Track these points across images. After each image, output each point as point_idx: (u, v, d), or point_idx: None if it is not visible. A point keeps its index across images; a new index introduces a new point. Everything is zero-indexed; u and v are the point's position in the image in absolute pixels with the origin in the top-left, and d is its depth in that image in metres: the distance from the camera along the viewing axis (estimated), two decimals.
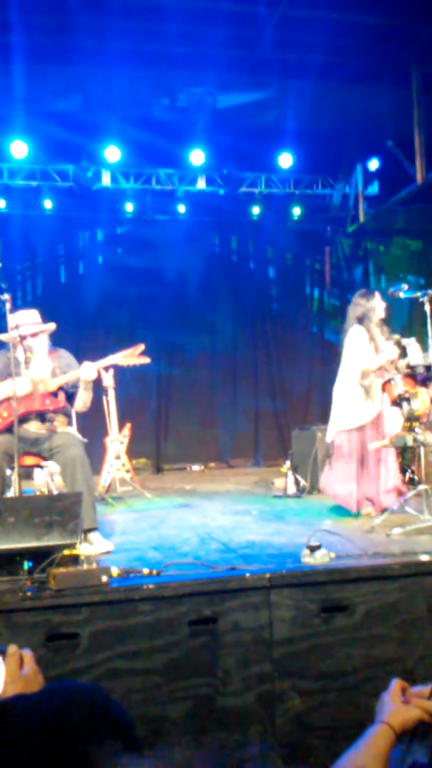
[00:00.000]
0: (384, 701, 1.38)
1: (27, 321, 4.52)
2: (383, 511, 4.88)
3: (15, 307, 4.31)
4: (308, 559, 3.46)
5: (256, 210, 10.07)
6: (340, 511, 5.38)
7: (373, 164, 9.55)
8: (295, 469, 7.04)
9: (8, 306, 4.17)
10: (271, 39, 7.24)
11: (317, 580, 3.28)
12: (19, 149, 8.43)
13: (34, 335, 4.50)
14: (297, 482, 6.89)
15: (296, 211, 10.02)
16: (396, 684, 1.40)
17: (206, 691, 3.09)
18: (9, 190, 9.21)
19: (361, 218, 9.96)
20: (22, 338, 4.39)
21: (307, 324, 10.80)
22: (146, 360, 4.66)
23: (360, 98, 8.20)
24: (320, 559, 3.45)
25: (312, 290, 11.02)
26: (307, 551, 3.49)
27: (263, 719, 3.12)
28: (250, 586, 3.21)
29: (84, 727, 0.88)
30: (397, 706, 1.35)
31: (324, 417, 9.11)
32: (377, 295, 5.48)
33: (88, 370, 4.40)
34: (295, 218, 10.13)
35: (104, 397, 7.30)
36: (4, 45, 6.96)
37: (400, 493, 5.06)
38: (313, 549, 3.48)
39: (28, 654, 1.30)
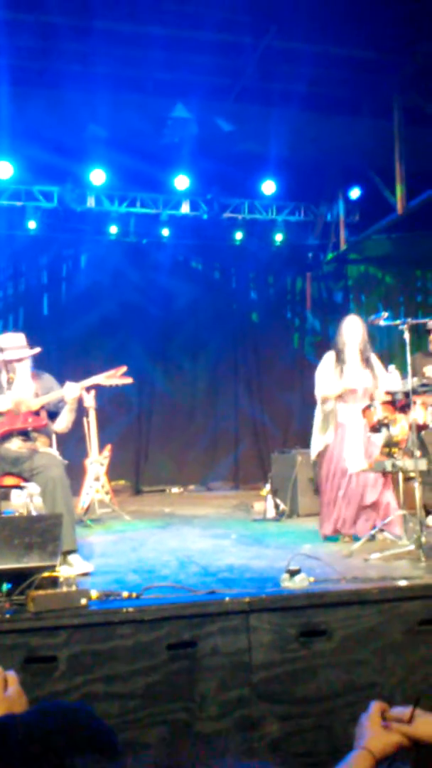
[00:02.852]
0: (363, 726, 1.37)
1: (12, 345, 4.53)
2: (362, 536, 4.90)
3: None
4: (287, 584, 3.47)
5: (239, 235, 10.18)
6: (319, 535, 5.40)
7: (355, 193, 9.72)
8: (274, 492, 7.05)
9: None
10: (256, 68, 7.37)
11: (296, 605, 3.29)
12: (4, 169, 8.47)
13: (20, 360, 4.51)
14: (277, 506, 6.91)
15: (278, 237, 10.14)
16: (375, 707, 1.40)
17: (184, 716, 3.08)
18: None
19: (342, 245, 10.10)
20: (8, 362, 4.41)
21: (288, 348, 10.88)
22: (128, 380, 4.69)
23: (342, 128, 8.35)
24: (299, 583, 3.46)
25: (293, 314, 11.12)
26: (286, 575, 3.50)
27: (241, 744, 3.10)
28: (229, 610, 3.21)
29: (73, 744, 0.89)
30: (377, 731, 1.34)
31: (304, 440, 9.17)
32: (348, 319, 5.50)
33: (71, 389, 4.42)
34: (278, 244, 10.25)
35: (85, 419, 7.29)
36: None
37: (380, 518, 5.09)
38: (292, 573, 3.49)
39: (12, 676, 1.30)
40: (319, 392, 5.35)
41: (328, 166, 9.49)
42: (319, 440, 5.41)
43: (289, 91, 7.56)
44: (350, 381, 5.27)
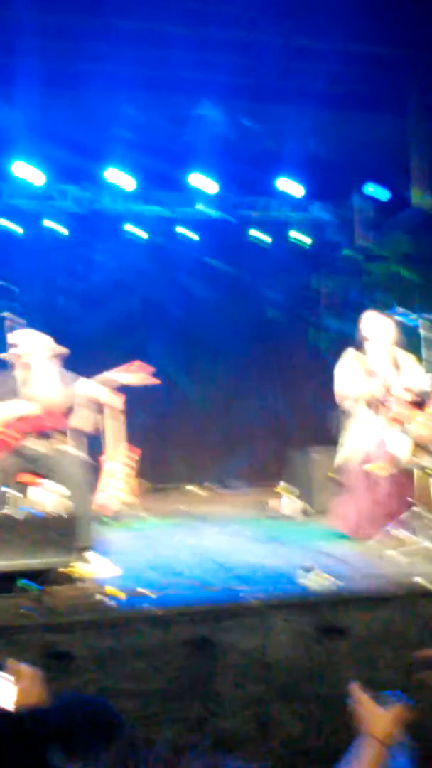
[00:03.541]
0: (358, 711, 1.37)
1: (31, 341, 4.56)
2: (378, 533, 4.87)
3: (14, 327, 4.36)
4: (305, 581, 3.46)
5: (256, 233, 10.16)
6: (335, 532, 5.38)
7: (372, 190, 9.67)
8: (291, 490, 7.03)
9: (8, 324, 4.22)
10: (274, 67, 7.36)
11: (314, 602, 3.29)
12: (24, 171, 8.51)
13: (35, 355, 4.53)
14: (294, 504, 6.89)
15: (296, 235, 10.11)
16: (356, 689, 1.40)
17: (201, 713, 3.08)
18: (12, 211, 9.28)
19: (359, 242, 10.06)
20: (24, 358, 4.43)
21: (305, 345, 10.84)
22: (151, 380, 4.68)
23: (360, 125, 8.32)
24: (316, 581, 3.46)
25: (310, 312, 11.08)
26: (303, 572, 3.49)
27: (258, 743, 3.10)
28: (246, 608, 3.21)
29: (89, 735, 0.90)
30: (373, 714, 1.35)
31: (320, 438, 9.12)
32: (367, 314, 5.43)
33: (87, 387, 4.43)
34: (295, 241, 10.22)
35: (102, 417, 7.30)
36: (11, 69, 7.06)
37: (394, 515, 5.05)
38: (309, 571, 3.49)
39: (33, 671, 1.31)
40: (336, 388, 5.28)
41: (345, 164, 9.43)
42: (344, 438, 5.34)
43: (308, 88, 7.55)
44: (371, 382, 5.20)
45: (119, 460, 7.33)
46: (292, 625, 3.23)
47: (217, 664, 3.13)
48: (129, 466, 7.42)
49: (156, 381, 4.65)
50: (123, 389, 5.10)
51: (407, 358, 5.26)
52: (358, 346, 5.33)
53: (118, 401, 7.13)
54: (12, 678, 1.27)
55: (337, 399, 5.31)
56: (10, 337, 4.27)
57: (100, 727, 0.95)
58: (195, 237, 10.06)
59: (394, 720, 1.33)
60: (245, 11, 6.57)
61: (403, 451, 4.76)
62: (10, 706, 1.20)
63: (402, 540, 4.71)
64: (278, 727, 3.12)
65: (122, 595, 3.28)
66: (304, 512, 6.80)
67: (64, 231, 9.56)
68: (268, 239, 10.24)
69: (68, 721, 0.94)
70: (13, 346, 4.28)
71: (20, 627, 2.99)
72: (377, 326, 5.27)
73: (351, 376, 5.25)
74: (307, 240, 10.30)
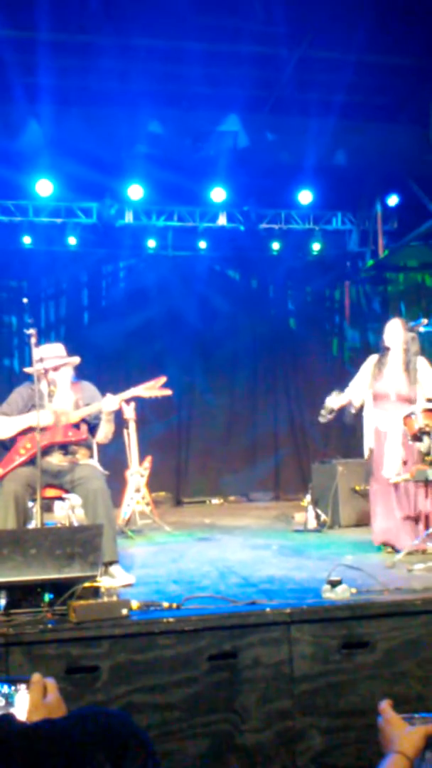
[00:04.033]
0: (387, 730, 1.37)
1: (51, 354, 4.60)
2: (406, 546, 4.83)
3: (40, 342, 4.41)
4: (329, 595, 3.43)
5: (276, 245, 10.18)
6: (361, 545, 5.34)
7: (393, 200, 9.64)
8: (315, 502, 7.00)
9: (33, 340, 4.26)
10: (292, 79, 7.40)
11: (338, 616, 3.26)
12: (45, 187, 8.62)
13: (57, 368, 4.58)
14: (318, 516, 6.85)
15: (316, 247, 10.11)
16: (386, 707, 1.39)
17: (225, 728, 3.06)
18: (34, 227, 9.41)
19: (381, 253, 10.03)
20: (46, 371, 4.47)
21: (328, 356, 10.83)
22: (168, 392, 4.70)
23: (379, 135, 8.32)
24: (341, 594, 3.42)
25: (332, 323, 11.07)
26: (328, 586, 3.46)
27: (283, 757, 3.07)
28: (270, 621, 3.19)
29: (109, 750, 0.89)
30: (403, 731, 1.34)
31: (344, 450, 9.08)
32: (391, 322, 5.43)
33: (110, 402, 4.46)
34: (315, 253, 10.22)
35: (125, 430, 7.34)
36: (30, 86, 7.18)
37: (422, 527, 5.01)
38: (334, 584, 3.46)
39: (51, 683, 1.31)
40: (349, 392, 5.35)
41: (365, 174, 9.44)
42: (365, 445, 5.38)
43: (326, 100, 7.57)
44: (383, 385, 5.22)
45: (138, 473, 7.35)
46: (317, 639, 3.20)
47: (242, 679, 3.11)
48: (146, 477, 7.44)
49: (168, 392, 4.67)
50: (145, 402, 5.12)
51: (429, 368, 5.26)
52: (381, 352, 5.35)
53: (134, 414, 7.20)
54: (33, 689, 1.28)
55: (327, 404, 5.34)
56: (35, 352, 4.31)
57: (120, 740, 0.94)
58: (214, 250, 10.12)
59: (423, 739, 1.32)
60: (263, 26, 6.62)
61: (424, 462, 4.73)
62: (30, 719, 1.21)
63: (430, 553, 4.67)
64: (303, 742, 3.09)
65: (146, 609, 3.28)
66: (329, 525, 6.76)
67: (85, 246, 9.66)
68: (288, 251, 10.25)
69: (88, 734, 0.94)
70: (38, 360, 4.33)
71: (41, 640, 2.99)
72: (400, 335, 5.28)
73: (364, 381, 5.30)
74: (329, 251, 10.30)
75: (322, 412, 5.30)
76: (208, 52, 6.95)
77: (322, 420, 5.34)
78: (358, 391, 5.33)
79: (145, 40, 6.79)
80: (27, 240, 9.44)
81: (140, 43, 6.85)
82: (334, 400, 5.26)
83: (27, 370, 4.54)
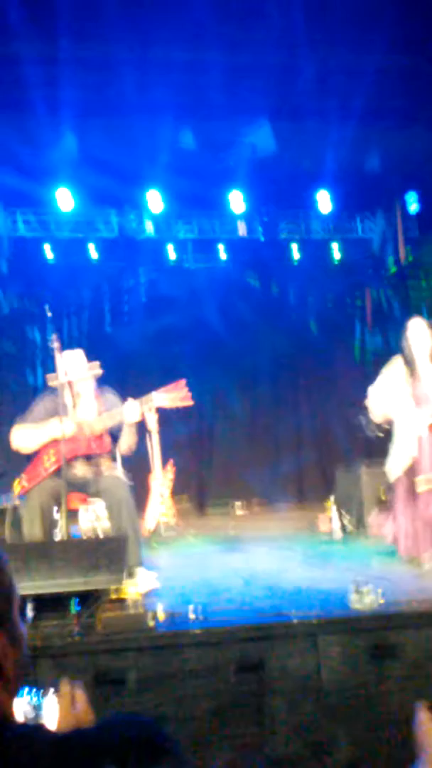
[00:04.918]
0: (423, 734, 1.35)
1: (74, 364, 4.62)
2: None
3: (61, 352, 4.45)
4: (356, 604, 3.41)
5: (296, 253, 10.18)
6: (386, 554, 5.29)
7: (413, 206, 9.61)
8: (340, 510, 6.95)
9: (57, 352, 4.29)
10: (310, 85, 7.39)
11: (366, 626, 3.23)
12: (66, 201, 8.70)
13: (82, 379, 4.60)
14: (343, 524, 6.80)
15: (336, 254, 10.10)
16: (424, 711, 1.37)
17: (254, 739, 3.05)
18: (56, 241, 9.51)
19: (402, 258, 9.98)
20: (70, 382, 4.50)
21: (350, 363, 10.78)
22: (189, 403, 4.70)
23: (399, 139, 8.28)
24: (368, 603, 3.40)
25: (353, 330, 11.02)
26: (355, 596, 3.44)
27: (311, 766, 3.05)
28: (297, 632, 3.17)
29: (140, 758, 0.89)
30: None
31: (368, 456, 9.01)
32: (413, 322, 5.31)
33: (131, 411, 4.46)
34: (335, 260, 10.20)
35: (148, 439, 7.35)
36: (51, 99, 7.25)
37: None
38: (361, 593, 3.43)
39: (80, 692, 1.31)
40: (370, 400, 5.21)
41: (384, 180, 9.40)
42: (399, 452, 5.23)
43: (344, 105, 7.55)
44: (422, 388, 5.09)
45: (161, 482, 7.36)
46: (344, 647, 3.17)
47: (269, 687, 3.09)
48: (170, 486, 7.45)
49: (189, 402, 4.66)
50: (169, 411, 5.13)
51: None
52: (406, 354, 5.22)
53: (156, 423, 7.20)
54: (62, 699, 1.28)
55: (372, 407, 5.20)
56: (58, 362, 4.34)
57: (150, 748, 0.94)
58: (233, 259, 10.15)
59: None
60: (281, 33, 6.63)
61: None
62: (60, 728, 1.21)
63: None
64: (333, 752, 3.07)
65: (172, 620, 3.28)
66: (354, 532, 6.71)
67: (107, 259, 9.73)
68: (308, 258, 10.25)
69: (117, 741, 0.94)
70: (61, 370, 4.36)
71: (68, 650, 3.00)
72: (422, 334, 5.16)
73: (396, 387, 5.14)
74: (350, 257, 10.28)
75: (370, 426, 5.20)
76: (228, 62, 6.98)
77: (370, 433, 5.24)
78: (386, 398, 5.19)
79: (164, 51, 6.84)
80: (49, 255, 9.53)
81: (160, 54, 6.90)
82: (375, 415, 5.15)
83: (50, 380, 4.56)
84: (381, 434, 5.12)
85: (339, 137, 7.91)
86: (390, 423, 5.20)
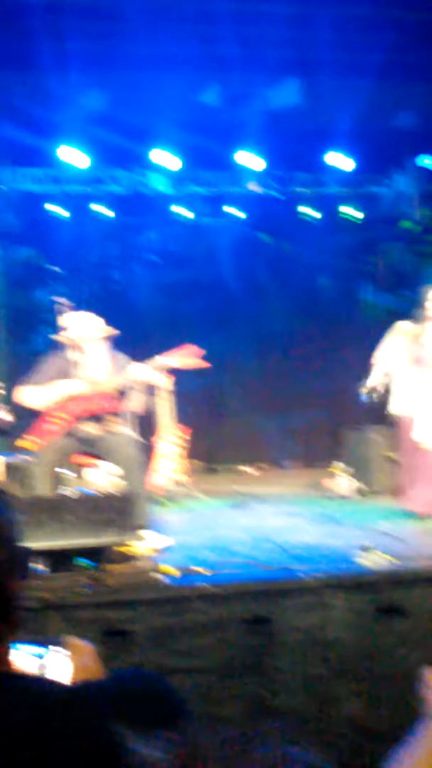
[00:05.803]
0: (427, 695, 1.36)
1: (83, 324, 4.60)
2: None
3: (66, 310, 4.41)
4: (363, 561, 3.43)
5: (308, 210, 10.02)
6: (394, 513, 5.31)
7: (428, 162, 9.41)
8: (348, 470, 6.97)
9: (65, 310, 4.27)
10: (326, 39, 7.19)
11: (372, 582, 3.25)
12: (73, 156, 8.57)
13: (88, 337, 4.57)
14: (351, 484, 6.83)
15: (348, 211, 9.94)
16: (427, 672, 1.38)
17: (259, 691, 3.10)
18: (63, 197, 9.38)
19: (416, 216, 9.83)
20: (77, 340, 4.48)
21: (360, 322, 10.69)
22: (204, 364, 4.67)
23: (415, 96, 8.08)
24: (375, 561, 3.42)
25: (365, 289, 10.92)
26: (362, 553, 3.46)
27: (317, 720, 3.10)
28: (304, 587, 3.20)
29: (148, 712, 0.90)
30: None
31: (376, 417, 9.00)
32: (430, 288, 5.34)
33: (140, 371, 4.45)
34: (348, 217, 10.05)
35: (157, 398, 7.35)
36: (59, 52, 7.09)
37: None
38: (368, 551, 3.45)
39: (88, 646, 1.32)
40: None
41: (399, 137, 9.21)
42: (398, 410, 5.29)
43: (361, 60, 7.35)
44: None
45: (172, 441, 7.38)
46: (351, 605, 3.21)
47: (276, 643, 3.13)
48: (181, 446, 7.46)
49: (206, 364, 4.63)
50: (174, 370, 5.11)
51: None
52: (416, 320, 5.25)
53: (168, 383, 7.19)
54: (70, 653, 1.29)
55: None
56: (63, 320, 4.32)
57: (161, 703, 0.95)
58: (245, 215, 10.00)
59: None
60: None
61: None
62: (67, 680, 1.22)
63: None
64: (338, 705, 3.12)
65: (177, 573, 3.31)
66: (361, 492, 6.73)
67: (111, 214, 9.61)
68: (319, 215, 10.10)
69: (127, 694, 0.95)
70: (66, 328, 4.34)
71: (78, 605, 3.04)
72: (425, 299, 5.20)
73: (401, 346, 5.20)
74: (360, 215, 10.12)
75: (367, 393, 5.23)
76: (240, 12, 6.79)
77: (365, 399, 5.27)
78: (388, 364, 5.23)
79: (174, 2, 6.66)
80: (57, 209, 9.41)
81: (170, 5, 6.72)
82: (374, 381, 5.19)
83: (58, 338, 4.54)
84: (375, 397, 5.20)
85: (355, 92, 7.72)
86: (386, 387, 5.28)
